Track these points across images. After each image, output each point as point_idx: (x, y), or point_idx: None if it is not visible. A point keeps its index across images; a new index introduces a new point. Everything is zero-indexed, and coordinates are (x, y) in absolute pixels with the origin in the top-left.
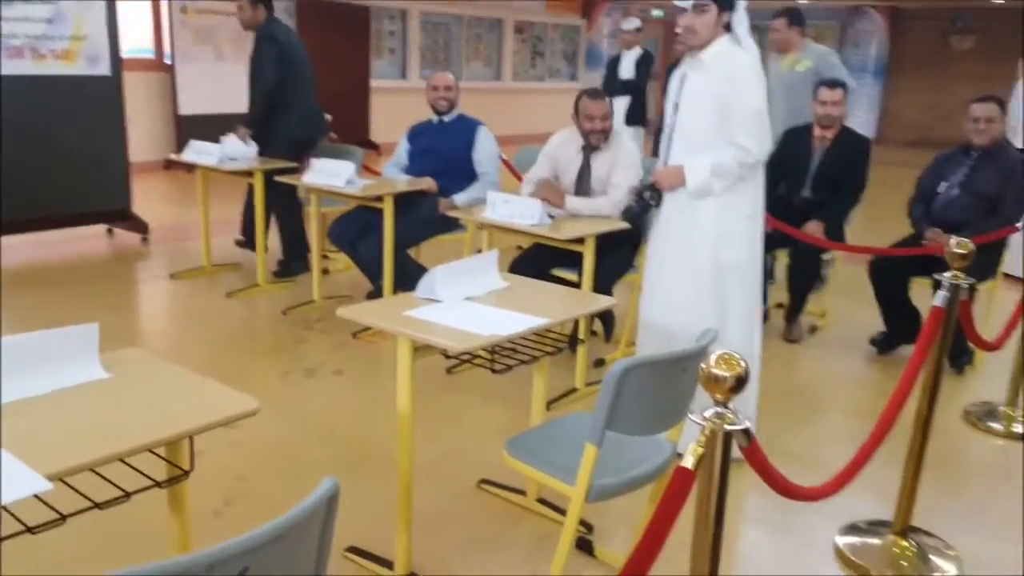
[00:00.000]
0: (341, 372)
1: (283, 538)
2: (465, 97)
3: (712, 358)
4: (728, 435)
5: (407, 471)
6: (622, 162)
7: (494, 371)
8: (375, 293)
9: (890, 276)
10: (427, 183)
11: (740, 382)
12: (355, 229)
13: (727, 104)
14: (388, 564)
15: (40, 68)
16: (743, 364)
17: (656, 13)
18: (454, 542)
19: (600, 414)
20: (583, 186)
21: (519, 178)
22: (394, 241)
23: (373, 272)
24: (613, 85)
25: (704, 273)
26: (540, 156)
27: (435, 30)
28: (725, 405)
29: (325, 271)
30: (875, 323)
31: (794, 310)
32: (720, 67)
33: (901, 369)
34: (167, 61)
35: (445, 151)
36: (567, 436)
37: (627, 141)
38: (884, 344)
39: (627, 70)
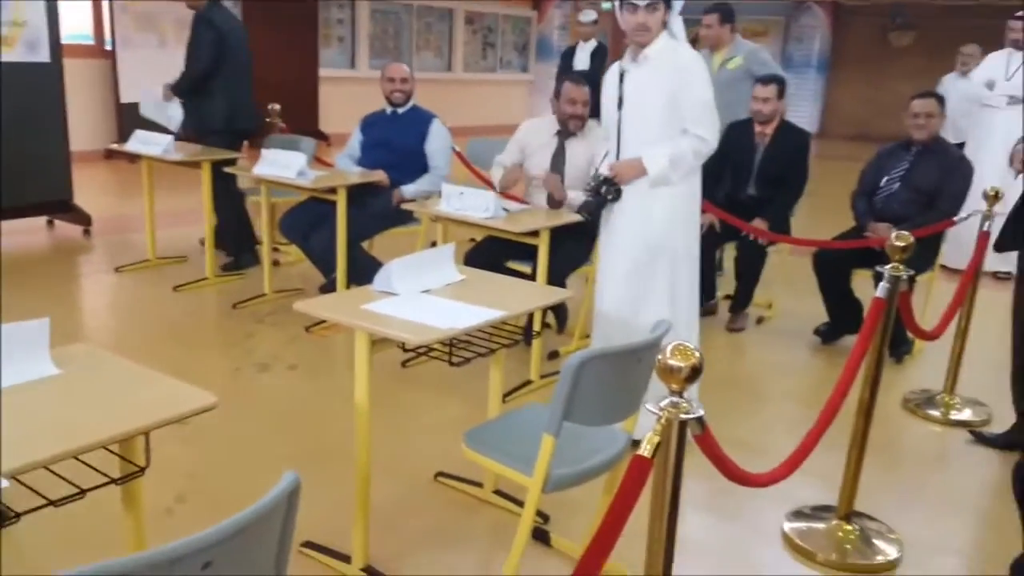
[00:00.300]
0: (295, 367)
1: (245, 532)
2: (416, 88)
3: (668, 349)
4: (683, 424)
5: (365, 465)
6: (599, 152)
7: (452, 364)
8: (328, 286)
9: (833, 268)
10: (379, 175)
11: (695, 372)
12: (307, 221)
13: (676, 97)
14: (345, 559)
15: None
16: (698, 355)
17: (606, 6)
18: (412, 535)
19: (557, 405)
20: (557, 171)
21: (472, 169)
22: (347, 234)
23: (326, 265)
24: (568, 77)
25: (657, 262)
26: (510, 142)
27: (385, 19)
28: (680, 395)
29: (276, 263)
30: (819, 314)
31: (741, 301)
32: (664, 61)
33: (844, 358)
34: (108, 47)
35: (398, 143)
36: (524, 427)
37: (600, 132)
38: (828, 334)
39: (582, 62)
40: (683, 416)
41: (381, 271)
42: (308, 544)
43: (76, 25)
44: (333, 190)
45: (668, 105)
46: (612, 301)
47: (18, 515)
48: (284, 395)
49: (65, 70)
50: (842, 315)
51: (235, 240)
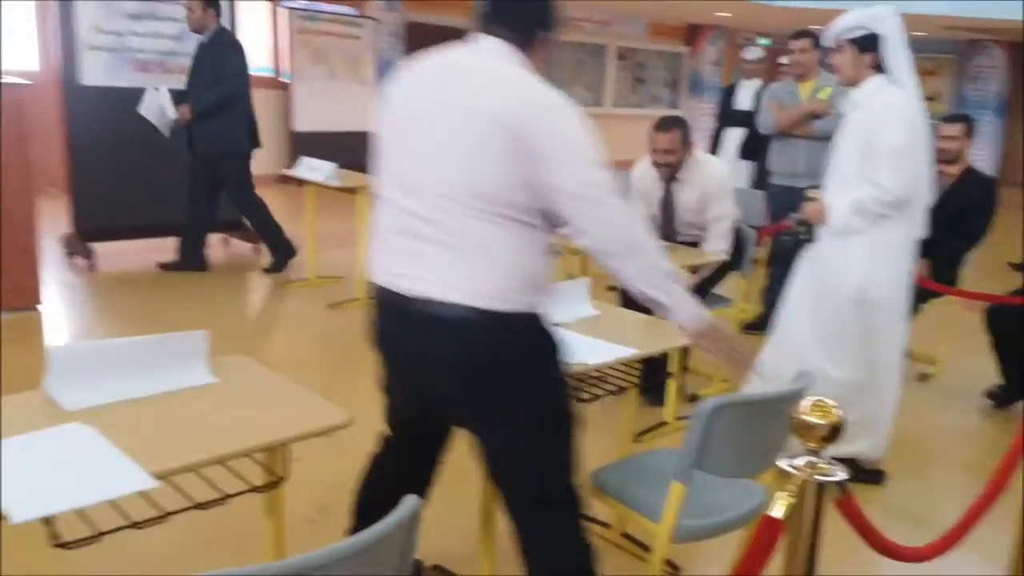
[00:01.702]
0: None
1: (365, 552)
2: None
3: (805, 404)
4: (821, 486)
5: (492, 493)
6: (713, 191)
7: (581, 400)
8: None
9: (1008, 326)
10: None
11: (835, 432)
12: None
13: (871, 142)
14: None
15: (166, 83)
16: (838, 413)
17: (763, 42)
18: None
19: (688, 452)
20: (667, 216)
21: None
22: None
23: None
24: (728, 115)
25: (846, 312)
26: (632, 190)
27: None
28: (817, 454)
29: None
30: (988, 372)
31: None
32: (869, 105)
33: (1017, 424)
34: (284, 80)
35: None
36: (655, 471)
37: (713, 167)
38: (1002, 397)
39: (744, 101)
40: (820, 478)
41: None
42: (437, 568)
43: (255, 58)
44: None
45: (864, 150)
46: (790, 348)
47: (166, 515)
48: None
49: None
50: (1018, 377)
51: (270, 241)
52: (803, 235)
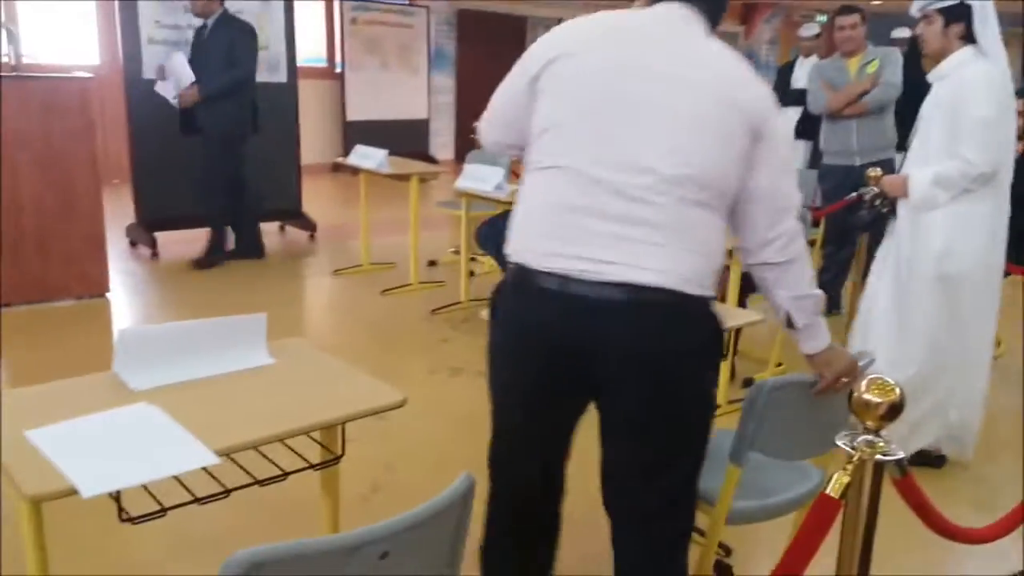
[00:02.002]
0: (483, 373)
1: (420, 527)
2: None
3: (864, 383)
4: (879, 465)
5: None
6: None
7: None
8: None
9: None
10: None
11: (894, 410)
12: (503, 232)
13: (957, 114)
14: None
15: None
16: (898, 391)
17: (821, 19)
18: (589, 551)
19: (743, 433)
20: None
21: None
22: None
23: None
24: (785, 94)
25: (924, 291)
26: None
27: None
28: (877, 433)
29: (471, 274)
30: None
31: None
32: (956, 77)
33: None
34: (337, 70)
35: None
36: (709, 454)
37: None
38: None
39: (801, 80)
40: (879, 457)
41: None
42: None
43: (311, 49)
44: None
45: (949, 123)
46: (874, 329)
47: (228, 491)
48: (473, 399)
49: (299, 90)
50: None
51: (242, 222)
52: (883, 208)
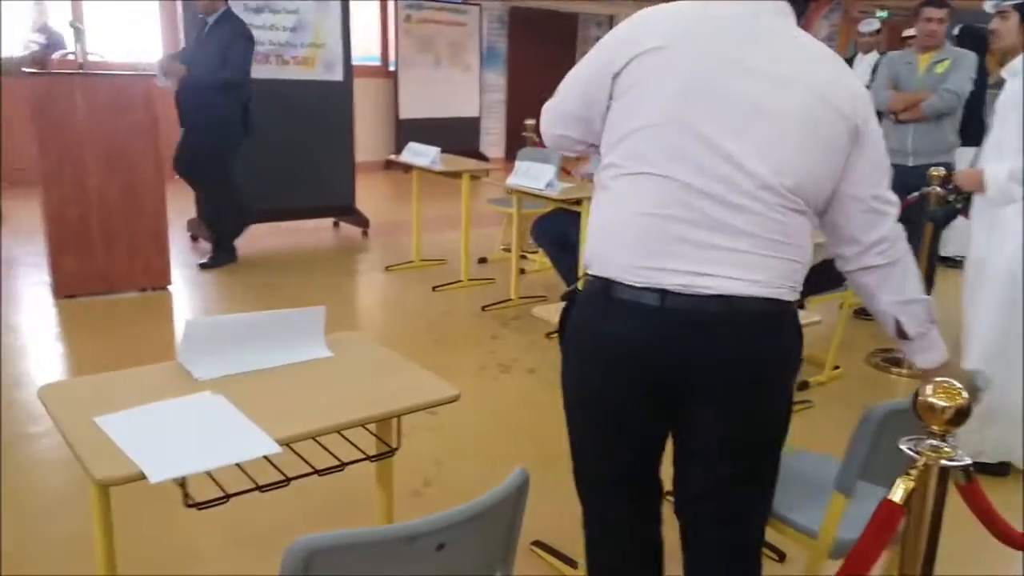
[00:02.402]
0: (533, 371)
1: (477, 519)
2: None
3: (929, 386)
4: (945, 471)
5: None
6: None
7: None
8: (569, 295)
9: None
10: None
11: (960, 416)
12: (557, 229)
13: None
14: (572, 563)
15: (283, 73)
16: (964, 396)
17: (881, 14)
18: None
19: (854, 461)
20: None
21: None
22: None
23: (569, 274)
24: None
25: (995, 292)
26: None
27: None
28: (943, 438)
29: (522, 271)
30: None
31: None
32: None
33: None
34: (390, 68)
35: None
36: (799, 477)
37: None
38: None
39: (862, 75)
40: (945, 462)
41: None
42: (538, 543)
43: (365, 48)
44: (579, 201)
45: (1021, 117)
46: (977, 335)
47: (288, 479)
48: (522, 396)
49: (354, 88)
50: None
51: (222, 229)
52: (957, 203)
